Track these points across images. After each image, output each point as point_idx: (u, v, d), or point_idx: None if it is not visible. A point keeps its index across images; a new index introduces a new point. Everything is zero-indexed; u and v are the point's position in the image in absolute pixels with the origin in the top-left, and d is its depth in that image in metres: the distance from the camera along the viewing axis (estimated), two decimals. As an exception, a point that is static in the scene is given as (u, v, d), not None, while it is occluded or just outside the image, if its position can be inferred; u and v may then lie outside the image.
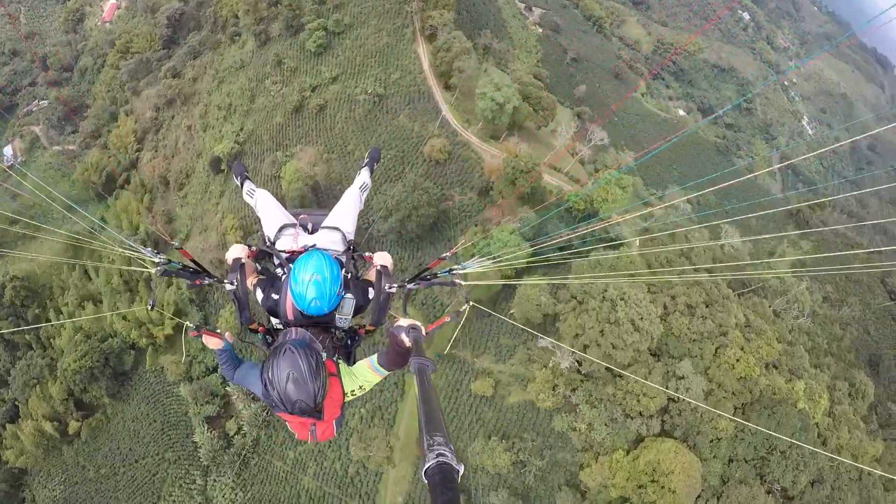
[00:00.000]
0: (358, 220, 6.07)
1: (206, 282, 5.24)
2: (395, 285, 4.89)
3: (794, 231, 77.52)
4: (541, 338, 40.35)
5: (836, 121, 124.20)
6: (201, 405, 55.38)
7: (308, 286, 4.11)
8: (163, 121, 77.54)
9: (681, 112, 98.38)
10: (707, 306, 42.38)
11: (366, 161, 6.81)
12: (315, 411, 3.75)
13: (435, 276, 5.37)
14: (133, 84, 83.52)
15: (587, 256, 44.34)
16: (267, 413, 53.78)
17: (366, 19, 65.35)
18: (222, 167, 62.87)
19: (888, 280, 75.66)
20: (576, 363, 40.91)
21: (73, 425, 58.46)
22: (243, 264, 4.87)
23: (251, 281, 4.97)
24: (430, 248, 51.34)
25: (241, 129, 64.35)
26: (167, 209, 69.69)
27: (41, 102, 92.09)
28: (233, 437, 54.57)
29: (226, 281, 4.78)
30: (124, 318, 60.69)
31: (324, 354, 4.03)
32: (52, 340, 64.75)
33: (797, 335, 48.61)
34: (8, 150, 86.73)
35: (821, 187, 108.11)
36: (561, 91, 79.46)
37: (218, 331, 5.01)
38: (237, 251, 4.96)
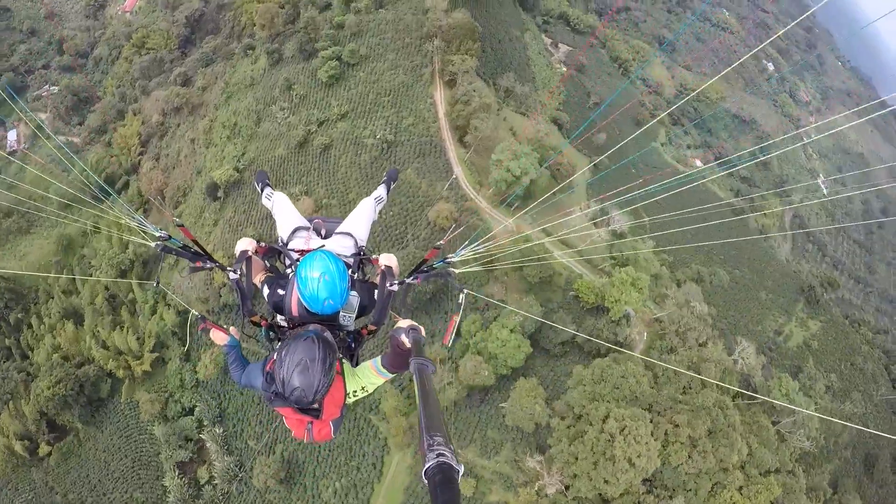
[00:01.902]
0: (371, 229, 5.90)
1: (208, 266, 5.00)
2: (397, 282, 4.62)
3: (804, 307, 72.72)
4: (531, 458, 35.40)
5: (851, 180, 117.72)
6: (174, 449, 51.17)
7: (319, 286, 3.98)
8: (168, 127, 72.08)
9: (698, 163, 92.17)
10: (710, 434, 37.44)
11: (384, 179, 6.78)
12: (312, 408, 3.72)
13: (432, 268, 5.23)
14: (144, 82, 77.93)
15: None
16: (239, 468, 49.60)
17: (383, 52, 59.41)
18: (218, 194, 57.64)
19: (894, 368, 70.57)
20: (563, 487, 36.16)
21: (43, 448, 54.55)
22: (250, 257, 4.69)
23: (259, 278, 4.82)
24: (426, 317, 46.40)
25: (243, 155, 58.93)
26: (162, 227, 64.59)
27: (52, 88, 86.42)
28: (203, 486, 50.41)
29: (229, 269, 4.65)
30: (104, 346, 56.15)
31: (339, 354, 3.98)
32: (31, 351, 60.46)
33: (800, 458, 43.88)
34: (12, 135, 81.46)
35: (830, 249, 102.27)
36: (579, 137, 73.81)
37: (224, 326, 4.85)
38: (244, 244, 4.79)
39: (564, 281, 47.28)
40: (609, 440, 33.52)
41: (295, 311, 4.31)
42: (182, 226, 5.45)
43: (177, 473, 50.61)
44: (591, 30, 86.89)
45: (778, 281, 77.09)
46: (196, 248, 5.06)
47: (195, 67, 73.38)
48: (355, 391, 4.25)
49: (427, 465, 2.12)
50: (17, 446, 53.76)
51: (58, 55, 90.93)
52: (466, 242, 5.48)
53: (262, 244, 5.05)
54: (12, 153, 79.41)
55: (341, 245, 5.16)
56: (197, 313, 5.21)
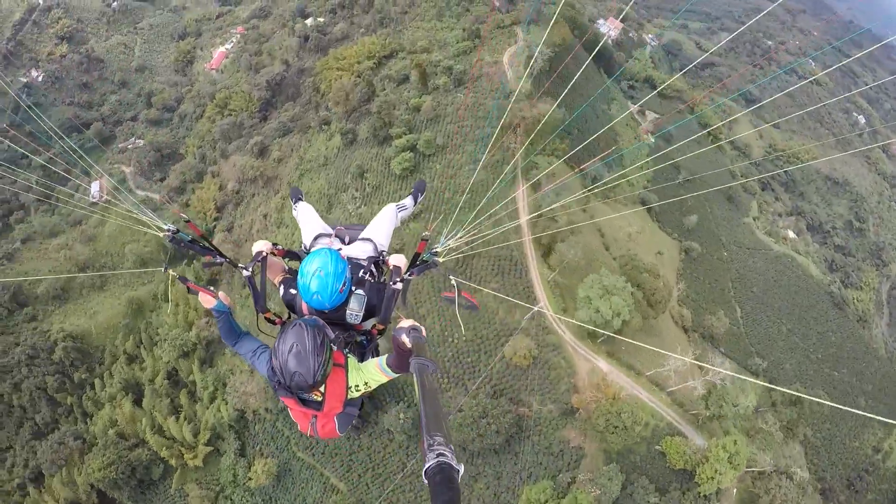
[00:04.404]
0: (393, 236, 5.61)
1: (219, 261, 4.90)
2: (399, 280, 4.31)
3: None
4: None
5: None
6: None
7: (312, 279, 3.89)
8: (243, 196, 67.93)
9: (790, 234, 79.86)
10: None
11: (412, 191, 6.73)
12: (313, 392, 3.55)
13: (425, 261, 4.84)
14: (223, 145, 74.45)
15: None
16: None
17: (461, 143, 52.13)
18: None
19: None
20: None
21: (90, 522, 51.32)
22: (265, 257, 4.57)
23: (278, 279, 4.76)
24: (488, 467, 39.06)
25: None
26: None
27: (137, 141, 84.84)
28: None
29: (241, 266, 4.52)
30: (161, 432, 52.16)
31: (333, 345, 3.73)
32: (90, 418, 57.25)
33: None
34: (95, 187, 79.99)
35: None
36: (669, 220, 64.32)
37: (211, 288, 4.49)
38: (260, 245, 4.65)
39: (651, 431, 38.66)
40: None
41: (305, 309, 4.24)
42: (189, 221, 5.34)
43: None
44: (678, 94, 76.37)
45: (878, 384, 65.15)
46: (205, 243, 4.88)
47: (272, 137, 68.86)
48: (357, 385, 3.91)
49: (427, 465, 2.04)
50: (65, 515, 50.93)
51: (146, 108, 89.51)
52: (447, 231, 5.40)
53: (280, 247, 4.88)
54: (94, 204, 78.17)
55: (361, 250, 4.98)
56: (175, 273, 4.84)
